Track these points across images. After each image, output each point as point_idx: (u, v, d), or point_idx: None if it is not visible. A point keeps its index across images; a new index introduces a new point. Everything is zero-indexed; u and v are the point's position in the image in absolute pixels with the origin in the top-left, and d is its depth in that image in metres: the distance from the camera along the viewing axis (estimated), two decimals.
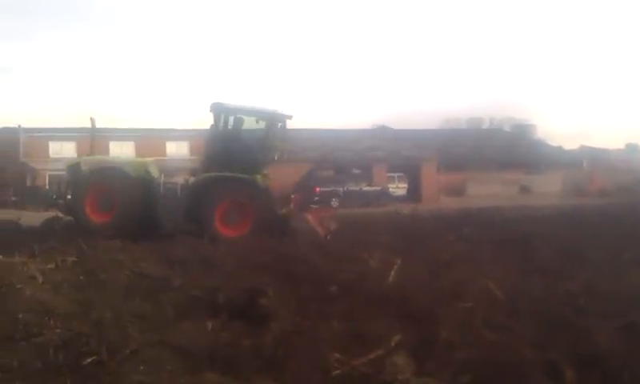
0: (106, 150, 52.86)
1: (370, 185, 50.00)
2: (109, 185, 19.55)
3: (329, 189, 46.92)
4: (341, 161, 52.79)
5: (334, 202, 45.66)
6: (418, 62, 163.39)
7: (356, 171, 52.32)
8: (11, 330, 7.38)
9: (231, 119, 19.65)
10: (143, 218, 18.93)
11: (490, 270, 10.87)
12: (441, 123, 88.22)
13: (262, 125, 19.73)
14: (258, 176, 19.33)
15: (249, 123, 19.66)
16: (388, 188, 51.43)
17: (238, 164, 19.07)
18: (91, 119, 22.99)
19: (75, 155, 54.16)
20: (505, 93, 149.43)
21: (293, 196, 19.10)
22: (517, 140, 76.01)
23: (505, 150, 67.92)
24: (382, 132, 68.93)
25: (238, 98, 23.02)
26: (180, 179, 19.87)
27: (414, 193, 53.24)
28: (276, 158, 20.52)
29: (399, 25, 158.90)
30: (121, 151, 52.35)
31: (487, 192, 53.15)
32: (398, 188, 53.77)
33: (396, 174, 54.29)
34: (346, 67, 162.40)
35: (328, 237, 18.02)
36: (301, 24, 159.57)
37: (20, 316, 7.88)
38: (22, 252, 13.60)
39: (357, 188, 48.19)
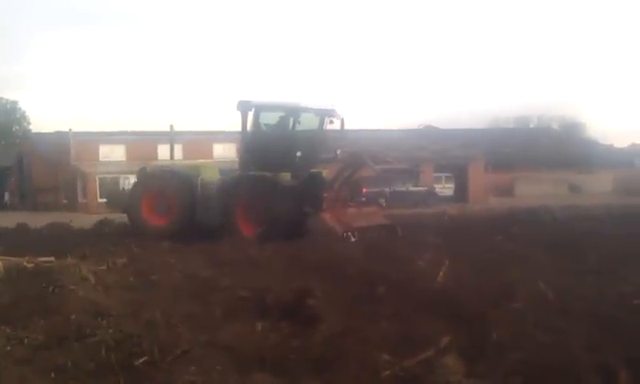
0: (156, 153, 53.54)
1: (416, 185, 49.68)
2: (163, 189, 20.18)
3: (375, 189, 46.75)
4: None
5: (381, 202, 45.44)
6: (464, 60, 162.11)
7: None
8: (65, 330, 7.53)
9: (260, 116, 19.80)
10: (193, 219, 19.34)
11: (540, 270, 10.74)
12: (488, 122, 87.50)
13: (289, 121, 19.68)
14: (285, 174, 19.31)
15: (272, 119, 19.88)
16: (435, 188, 51.07)
17: (269, 162, 19.18)
18: (170, 126, 23.92)
19: (124, 159, 55.07)
20: (553, 91, 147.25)
21: (325, 195, 18.72)
22: (566, 139, 75.03)
23: (554, 149, 66.98)
24: (428, 132, 68.60)
25: (277, 97, 22.67)
26: (216, 180, 20.13)
27: (462, 193, 52.87)
28: (327, 155, 20.40)
29: (443, 23, 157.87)
30: (168, 154, 52.85)
31: (536, 192, 52.36)
32: (445, 188, 53.43)
33: (443, 175, 53.94)
34: (390, 66, 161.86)
35: (348, 235, 17.60)
36: (342, 22, 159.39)
37: (73, 317, 8.04)
38: (73, 254, 13.87)
39: (403, 188, 47.92)
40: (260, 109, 19.76)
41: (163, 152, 54.60)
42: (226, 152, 55.89)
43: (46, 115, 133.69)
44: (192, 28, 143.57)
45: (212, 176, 20.39)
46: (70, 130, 56.41)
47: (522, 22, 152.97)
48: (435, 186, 51.90)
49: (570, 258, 12.67)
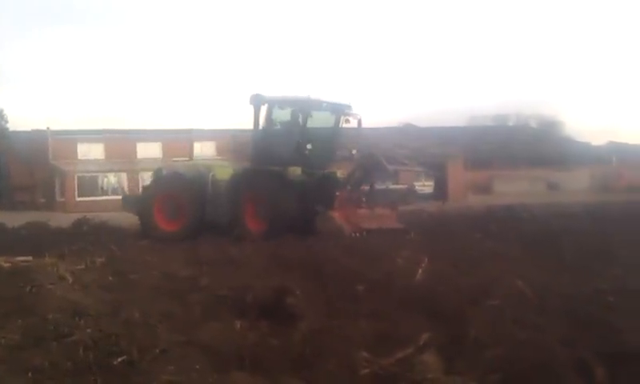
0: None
1: (396, 183, 49.61)
2: (172, 192, 19.74)
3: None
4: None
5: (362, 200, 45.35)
6: (443, 59, 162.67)
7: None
8: (42, 330, 7.47)
9: (274, 111, 19.20)
10: (203, 220, 19.00)
11: (518, 267, 10.79)
12: (467, 120, 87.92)
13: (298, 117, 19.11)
14: (295, 169, 18.78)
15: (286, 114, 19.27)
16: (415, 186, 51.08)
17: (281, 157, 18.73)
18: (190, 126, 23.52)
19: (103, 157, 54.80)
20: (531, 89, 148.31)
21: (338, 194, 18.48)
22: (544, 137, 75.52)
23: (532, 147, 67.54)
24: (407, 130, 68.73)
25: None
26: (227, 178, 19.63)
27: (441, 191, 52.97)
28: (341, 154, 20.41)
29: (423, 21, 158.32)
30: (147, 153, 52.62)
31: (514, 189, 52.77)
32: (425, 186, 53.49)
33: (422, 172, 53.95)
34: (369, 65, 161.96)
35: (357, 235, 17.22)
36: (323, 20, 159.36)
37: (50, 316, 7.97)
38: (51, 253, 13.77)
39: (383, 186, 47.83)
40: (273, 103, 19.20)
41: (142, 150, 54.39)
42: (206, 150, 55.76)
43: (24, 113, 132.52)
44: (172, 23, 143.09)
45: (225, 174, 19.85)
46: (48, 128, 56.10)
47: (500, 21, 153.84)
48: (414, 183, 51.93)
49: (548, 255, 12.74)
